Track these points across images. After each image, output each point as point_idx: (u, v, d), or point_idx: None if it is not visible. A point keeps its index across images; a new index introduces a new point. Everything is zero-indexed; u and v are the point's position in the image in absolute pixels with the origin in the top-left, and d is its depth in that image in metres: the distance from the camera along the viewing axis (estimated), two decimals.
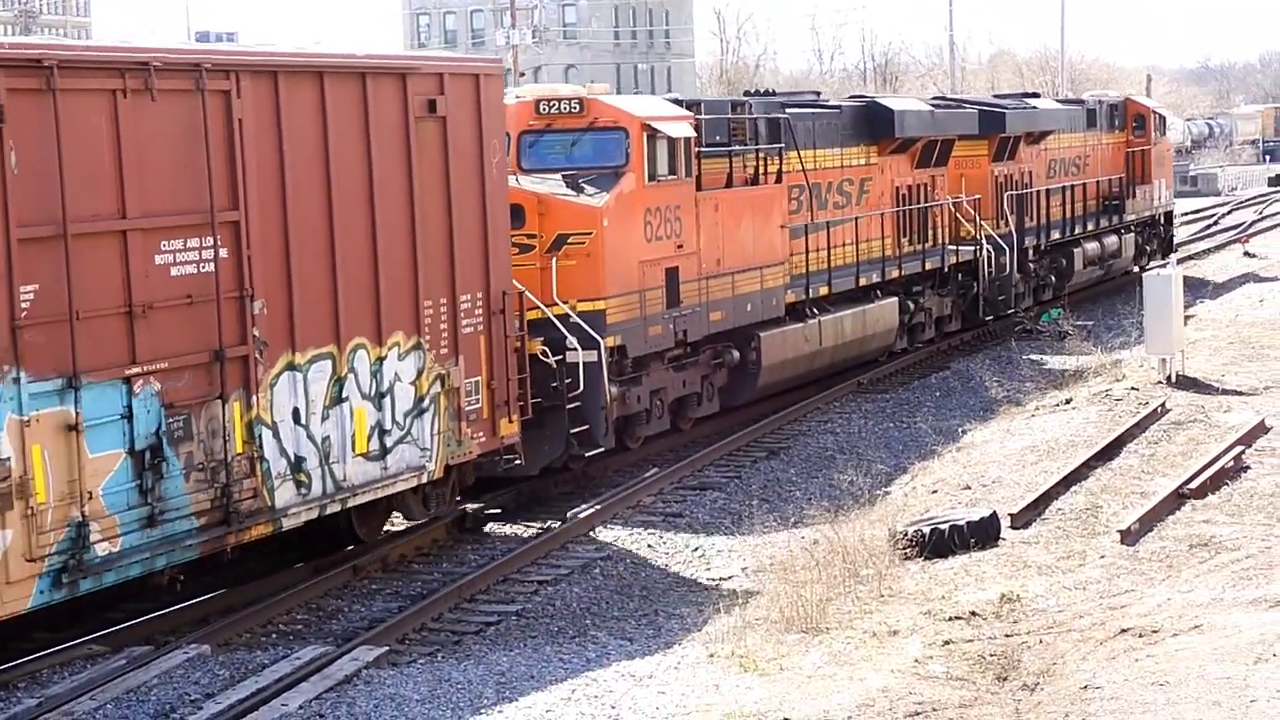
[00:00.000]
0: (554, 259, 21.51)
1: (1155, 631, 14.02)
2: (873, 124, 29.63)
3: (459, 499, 20.70)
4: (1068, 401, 25.37)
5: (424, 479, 18.82)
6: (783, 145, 26.42)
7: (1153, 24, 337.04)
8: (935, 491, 20.98)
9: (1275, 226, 59.01)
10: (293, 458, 16.93)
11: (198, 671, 14.95)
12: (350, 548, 18.73)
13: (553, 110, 22.52)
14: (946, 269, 32.56)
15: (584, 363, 21.18)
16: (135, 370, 15.17)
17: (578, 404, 21.33)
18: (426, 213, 18.48)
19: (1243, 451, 20.51)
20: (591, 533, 20.33)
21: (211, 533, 16.11)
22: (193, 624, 16.44)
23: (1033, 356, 31.61)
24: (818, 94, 33.52)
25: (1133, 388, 25.24)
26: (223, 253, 16.03)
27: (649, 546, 19.89)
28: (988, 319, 34.34)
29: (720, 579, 18.59)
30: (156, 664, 15.01)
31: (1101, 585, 15.92)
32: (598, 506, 20.75)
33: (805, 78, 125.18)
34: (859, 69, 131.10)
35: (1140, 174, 42.89)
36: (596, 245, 21.71)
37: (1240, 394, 24.70)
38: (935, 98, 36.82)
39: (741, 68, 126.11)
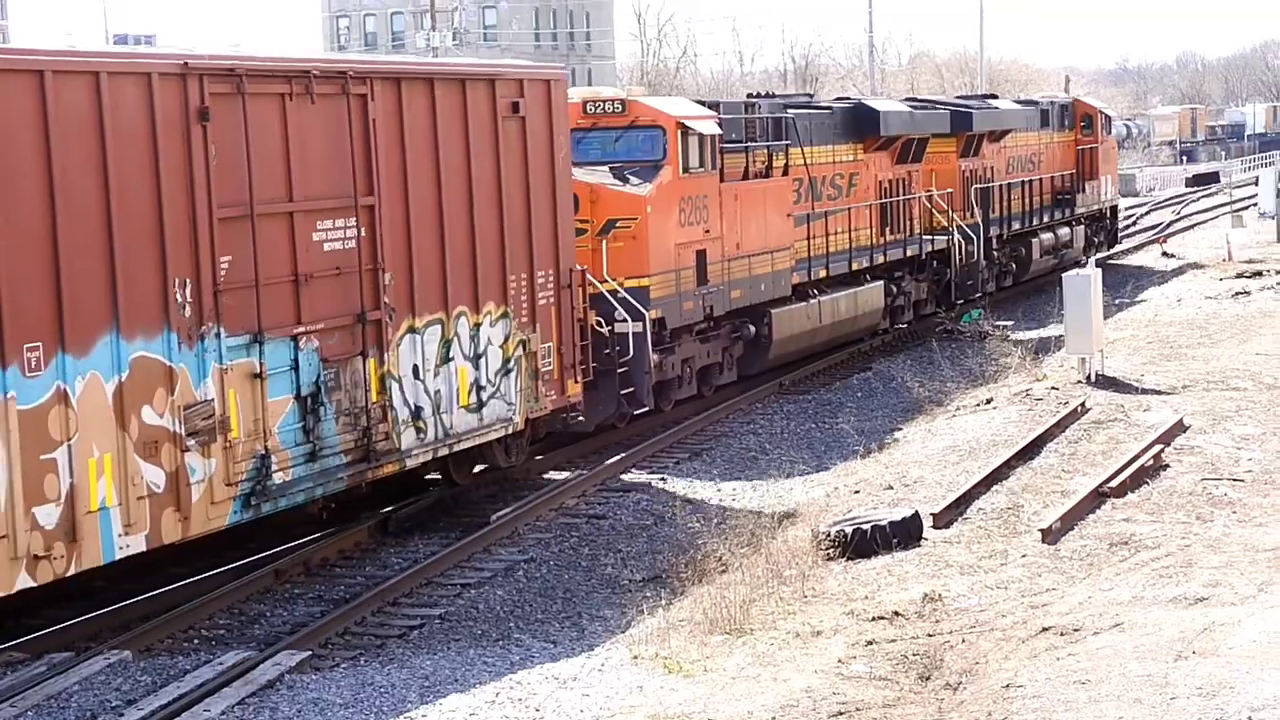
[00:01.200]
0: (604, 241, 23.67)
1: (1077, 630, 13.79)
2: (859, 123, 31.86)
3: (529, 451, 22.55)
4: (988, 401, 24.87)
5: (510, 430, 20.83)
6: (788, 142, 28.74)
7: (1071, 25, 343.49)
8: (857, 492, 20.50)
9: (1193, 227, 59.47)
10: (413, 407, 19.05)
11: (119, 678, 14.47)
12: (270, 551, 18.40)
13: (599, 110, 24.75)
14: (924, 256, 34.73)
15: (632, 333, 23.34)
16: (300, 329, 17.40)
17: (626, 369, 23.40)
18: (511, 199, 20.54)
19: (1162, 450, 20.17)
20: (515, 535, 19.85)
21: (355, 468, 18.17)
22: (114, 629, 15.91)
23: (953, 357, 30.69)
24: (810, 95, 35.74)
25: (1053, 387, 24.78)
26: (362, 232, 18.24)
27: (572, 549, 19.45)
28: (959, 302, 36.37)
29: (643, 580, 17.99)
30: (77, 670, 14.55)
31: (1023, 584, 15.57)
32: (521, 509, 20.42)
33: (726, 80, 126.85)
34: (779, 71, 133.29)
35: (1089, 170, 44.99)
36: (641, 229, 24.03)
37: (1159, 393, 24.28)
38: (907, 99, 40.20)
39: (662, 70, 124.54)
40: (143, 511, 15.58)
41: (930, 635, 14.32)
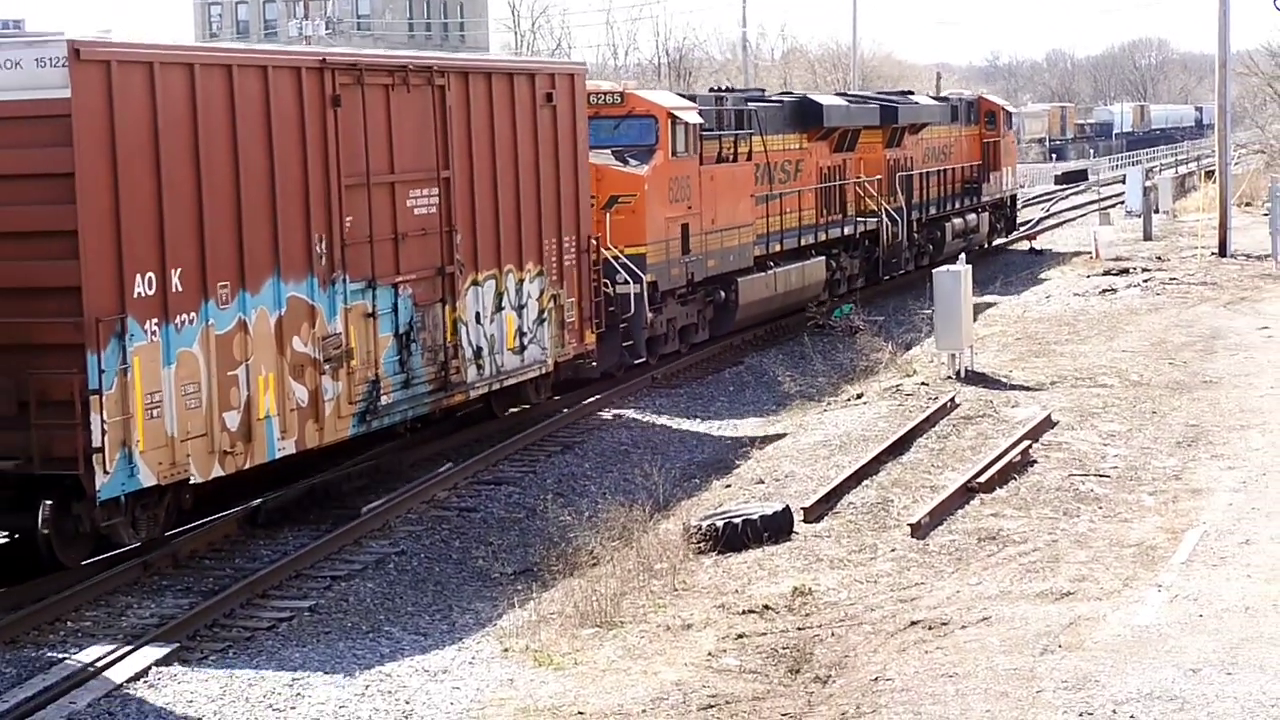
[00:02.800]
0: (608, 214, 26.31)
1: (945, 624, 13.82)
2: (805, 115, 34.68)
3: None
4: (859, 396, 24.78)
5: (543, 371, 23.78)
6: (750, 131, 31.53)
7: (943, 21, 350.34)
8: (729, 485, 20.34)
9: (1062, 224, 59.75)
10: (475, 347, 21.87)
11: None
12: (159, 536, 17.96)
13: (600, 102, 27.33)
14: (857, 235, 37.52)
15: (633, 293, 26.39)
16: (399, 279, 20.20)
17: (626, 324, 26.27)
18: (545, 175, 23.25)
19: (1029, 446, 20.07)
20: (385, 527, 19.39)
21: (435, 396, 21.00)
22: None
23: (825, 351, 30.72)
24: (763, 90, 39.50)
25: (923, 383, 24.77)
26: (439, 199, 21.05)
27: (443, 541, 19.00)
28: (885, 278, 39.43)
29: (514, 573, 17.51)
30: None
31: (892, 578, 15.47)
32: (392, 501, 20.19)
33: (600, 72, 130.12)
34: (653, 64, 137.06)
35: (993, 162, 47.57)
36: (640, 204, 26.90)
37: (1027, 389, 24.12)
38: (839, 93, 44.67)
39: None
40: (293, 421, 18.55)
41: (800, 629, 14.23)
